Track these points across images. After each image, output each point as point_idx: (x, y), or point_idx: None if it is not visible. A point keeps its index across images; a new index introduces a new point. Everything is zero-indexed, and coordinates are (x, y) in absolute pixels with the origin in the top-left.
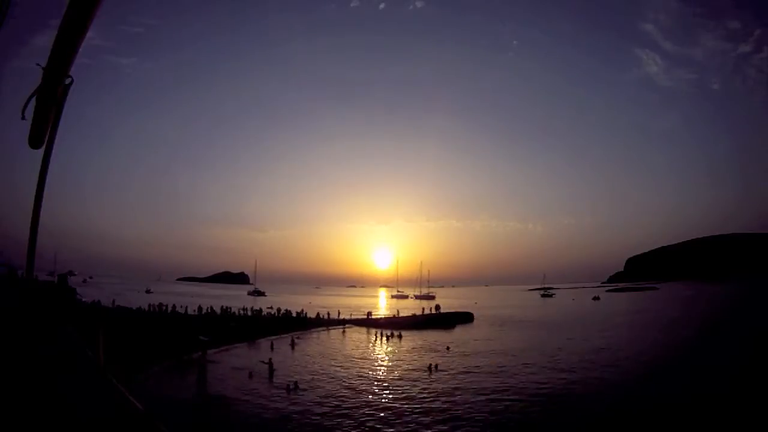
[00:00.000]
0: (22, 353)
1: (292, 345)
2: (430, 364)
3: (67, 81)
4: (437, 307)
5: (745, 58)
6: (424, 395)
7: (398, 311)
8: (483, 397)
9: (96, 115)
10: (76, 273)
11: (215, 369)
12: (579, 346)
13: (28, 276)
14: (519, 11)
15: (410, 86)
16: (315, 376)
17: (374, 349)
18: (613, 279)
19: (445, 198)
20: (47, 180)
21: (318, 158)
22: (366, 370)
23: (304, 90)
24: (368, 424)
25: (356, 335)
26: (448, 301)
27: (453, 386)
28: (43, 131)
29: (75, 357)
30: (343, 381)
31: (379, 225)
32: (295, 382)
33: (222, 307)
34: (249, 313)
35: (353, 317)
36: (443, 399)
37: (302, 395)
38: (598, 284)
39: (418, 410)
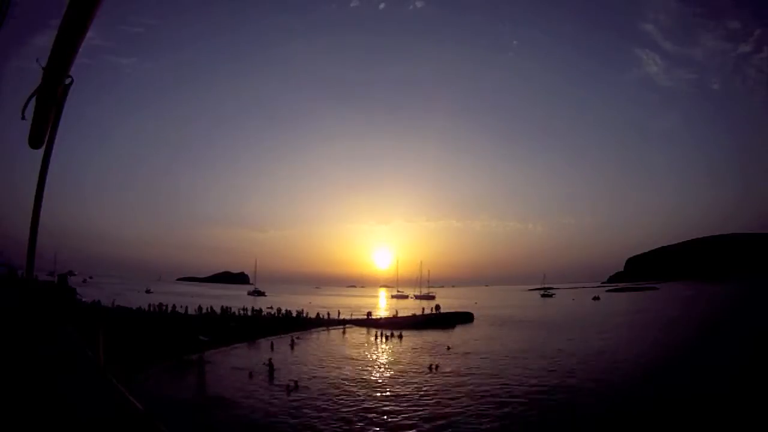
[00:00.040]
0: (22, 353)
1: (292, 345)
2: (431, 365)
3: (67, 81)
4: (437, 307)
5: (745, 58)
6: (425, 395)
7: (398, 311)
8: (483, 398)
9: (96, 115)
10: (76, 273)
11: (215, 369)
12: (579, 347)
13: (28, 276)
14: (519, 11)
15: (410, 86)
16: (315, 377)
17: (374, 350)
18: (613, 279)
19: (445, 198)
20: (47, 180)
21: (318, 158)
22: (366, 371)
23: (304, 90)
24: (368, 425)
25: (356, 335)
26: (448, 301)
27: (453, 386)
28: (43, 131)
29: (75, 357)
30: (343, 381)
31: (379, 225)
32: (295, 382)
33: (222, 307)
34: (249, 313)
35: (353, 317)
36: (443, 399)
37: (302, 395)
38: (598, 284)
39: (418, 410)
